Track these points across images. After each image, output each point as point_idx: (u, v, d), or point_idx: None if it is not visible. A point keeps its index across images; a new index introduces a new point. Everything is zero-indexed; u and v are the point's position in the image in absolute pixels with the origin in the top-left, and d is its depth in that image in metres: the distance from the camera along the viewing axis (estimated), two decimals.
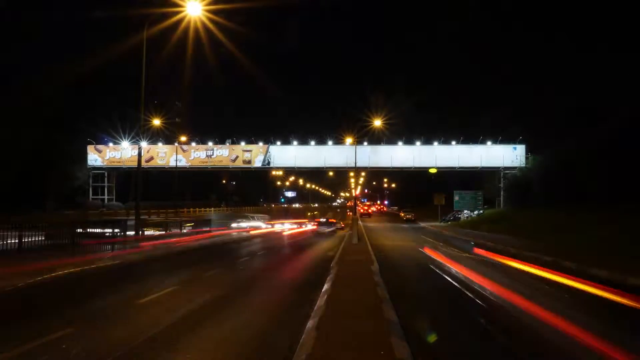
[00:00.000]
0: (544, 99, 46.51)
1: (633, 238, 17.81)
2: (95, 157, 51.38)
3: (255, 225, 41.29)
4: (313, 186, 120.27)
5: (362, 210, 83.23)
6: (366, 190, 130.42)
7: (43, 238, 15.75)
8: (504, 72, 74.14)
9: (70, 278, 12.50)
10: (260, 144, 50.73)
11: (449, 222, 49.96)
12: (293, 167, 52.71)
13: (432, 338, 7.35)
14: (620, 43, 39.80)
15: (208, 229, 31.38)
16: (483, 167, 48.11)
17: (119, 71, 67.82)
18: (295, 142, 50.59)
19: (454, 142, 49.03)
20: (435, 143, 49.22)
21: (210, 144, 51.09)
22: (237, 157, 50.59)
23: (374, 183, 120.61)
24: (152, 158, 49.91)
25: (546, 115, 41.96)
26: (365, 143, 48.27)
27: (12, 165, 35.73)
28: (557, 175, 33.25)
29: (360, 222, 37.35)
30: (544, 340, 7.19)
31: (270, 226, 44.10)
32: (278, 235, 36.10)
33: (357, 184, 65.61)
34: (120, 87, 66.13)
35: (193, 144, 51.24)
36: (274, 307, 9.73)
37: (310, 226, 46.00)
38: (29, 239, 15.10)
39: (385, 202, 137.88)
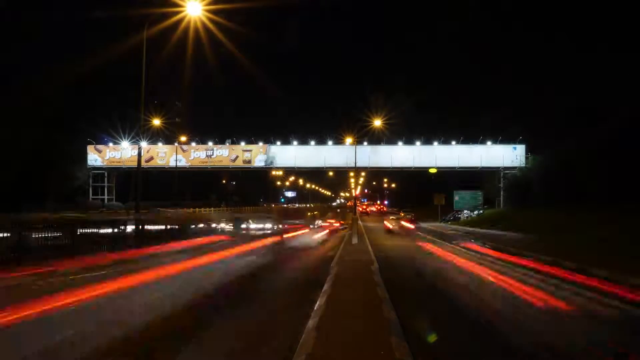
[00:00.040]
0: (544, 99, 46.51)
1: (633, 238, 17.83)
2: (95, 157, 51.39)
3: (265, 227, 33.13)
4: (313, 186, 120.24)
5: (361, 209, 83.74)
6: (366, 190, 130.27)
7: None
8: (504, 72, 74.09)
9: None
10: (260, 144, 50.75)
11: (449, 222, 49.95)
12: (293, 167, 52.75)
13: (432, 338, 7.34)
14: (620, 43, 39.78)
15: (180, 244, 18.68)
16: (483, 167, 48.13)
17: (119, 71, 67.67)
18: (295, 142, 50.62)
19: (454, 142, 49.07)
20: (435, 143, 49.25)
21: (210, 144, 51.12)
22: (237, 157, 50.61)
23: (374, 183, 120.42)
24: (152, 158, 49.91)
25: (546, 115, 41.98)
26: (365, 143, 48.29)
27: (12, 165, 35.75)
28: (557, 175, 33.25)
29: (360, 222, 37.32)
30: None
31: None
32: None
33: (357, 184, 65.68)
34: (120, 87, 66.04)
35: (193, 144, 51.27)
36: (273, 306, 9.73)
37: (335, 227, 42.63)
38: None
39: (385, 202, 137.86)
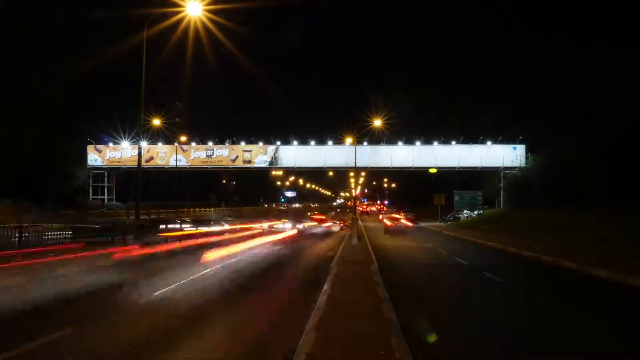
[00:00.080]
0: (544, 99, 46.44)
1: (633, 238, 17.82)
2: (95, 157, 51.40)
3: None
4: (313, 186, 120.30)
5: (361, 209, 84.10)
6: (366, 190, 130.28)
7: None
8: (504, 72, 74.10)
9: None
10: (260, 143, 50.77)
11: (449, 222, 49.92)
12: (293, 167, 52.76)
13: (432, 338, 7.34)
14: (620, 43, 39.79)
15: None
16: (483, 167, 48.13)
17: (119, 71, 67.88)
18: (295, 142, 50.64)
19: (454, 142, 49.08)
20: (435, 143, 49.26)
21: (210, 144, 51.13)
22: (237, 157, 50.62)
23: (374, 183, 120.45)
24: (152, 158, 49.93)
25: (546, 115, 41.93)
26: (365, 143, 48.27)
27: (12, 165, 35.75)
28: (557, 175, 33.23)
29: (360, 222, 37.29)
30: None
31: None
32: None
33: (357, 184, 65.61)
34: (120, 87, 66.14)
35: (193, 144, 51.28)
36: (274, 306, 9.75)
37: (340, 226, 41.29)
38: None
39: (385, 202, 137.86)
